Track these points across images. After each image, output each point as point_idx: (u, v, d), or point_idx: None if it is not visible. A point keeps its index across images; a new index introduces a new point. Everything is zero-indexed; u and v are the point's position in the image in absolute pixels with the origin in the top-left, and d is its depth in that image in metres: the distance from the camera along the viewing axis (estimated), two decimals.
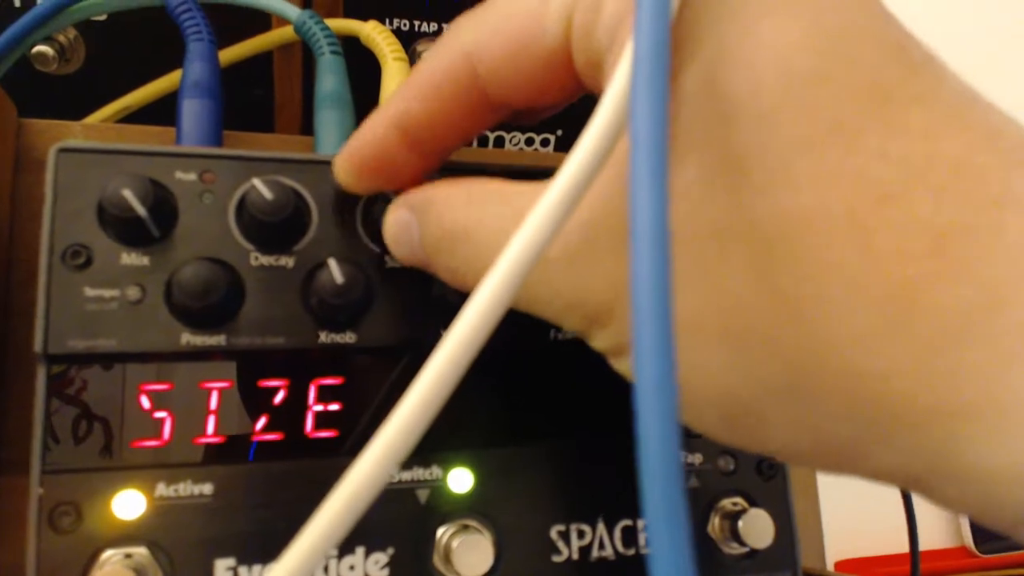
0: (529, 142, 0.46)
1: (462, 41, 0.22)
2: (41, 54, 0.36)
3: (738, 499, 0.30)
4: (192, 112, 0.30)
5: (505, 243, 0.17)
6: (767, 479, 0.31)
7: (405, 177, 0.25)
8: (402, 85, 0.24)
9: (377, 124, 0.24)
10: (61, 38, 0.37)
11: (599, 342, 0.21)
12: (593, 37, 0.19)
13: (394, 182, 0.25)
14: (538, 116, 0.27)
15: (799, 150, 0.16)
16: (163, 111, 0.34)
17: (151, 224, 0.25)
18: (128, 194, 0.25)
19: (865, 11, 0.17)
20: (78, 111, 0.36)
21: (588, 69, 0.20)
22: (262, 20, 0.39)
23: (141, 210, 0.25)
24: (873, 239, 0.15)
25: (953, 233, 0.15)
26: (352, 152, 0.25)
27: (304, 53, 0.40)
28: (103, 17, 0.38)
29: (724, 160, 0.17)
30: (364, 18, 0.36)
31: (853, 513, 0.75)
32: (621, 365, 0.21)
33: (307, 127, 0.40)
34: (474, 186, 0.23)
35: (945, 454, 0.15)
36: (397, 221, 0.25)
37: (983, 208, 0.15)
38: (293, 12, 0.35)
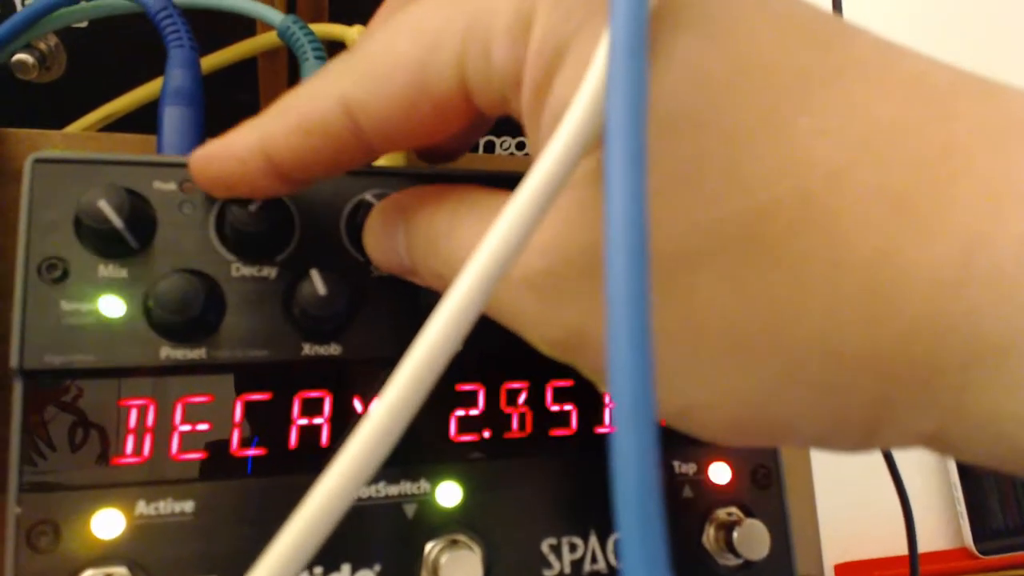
0: (520, 146, 0.46)
1: (339, 93, 0.21)
2: (21, 62, 0.36)
3: (733, 509, 0.30)
4: (173, 120, 0.29)
5: None
6: (762, 488, 0.30)
7: (265, 193, 0.24)
8: (269, 116, 0.22)
9: (241, 149, 0.23)
10: (41, 46, 0.36)
11: (583, 371, 0.21)
12: (493, 83, 0.19)
13: (252, 195, 0.25)
14: (445, 153, 0.27)
15: (739, 150, 0.16)
16: (146, 119, 0.34)
17: (128, 235, 0.25)
18: (104, 205, 0.24)
19: (763, 10, 0.17)
20: (60, 120, 0.36)
21: (493, 104, 0.20)
22: (247, 26, 0.38)
23: (117, 221, 0.24)
24: (833, 219, 0.15)
25: (909, 192, 0.15)
26: (212, 164, 0.23)
27: (289, 58, 0.39)
28: (84, 24, 0.37)
29: (672, 175, 0.16)
30: (349, 23, 0.36)
31: (852, 516, 0.75)
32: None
33: None
34: (465, 193, 0.22)
35: (960, 406, 0.15)
36: (381, 226, 0.25)
37: (930, 163, 0.15)
38: (277, 17, 0.34)
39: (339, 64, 0.21)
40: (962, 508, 0.90)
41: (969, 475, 0.90)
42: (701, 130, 0.16)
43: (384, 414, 0.15)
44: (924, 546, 0.89)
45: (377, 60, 0.20)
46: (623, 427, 0.13)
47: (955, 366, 0.15)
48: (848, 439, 0.18)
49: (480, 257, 0.16)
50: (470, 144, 0.28)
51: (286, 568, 0.15)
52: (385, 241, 0.25)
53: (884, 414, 0.16)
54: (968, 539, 0.89)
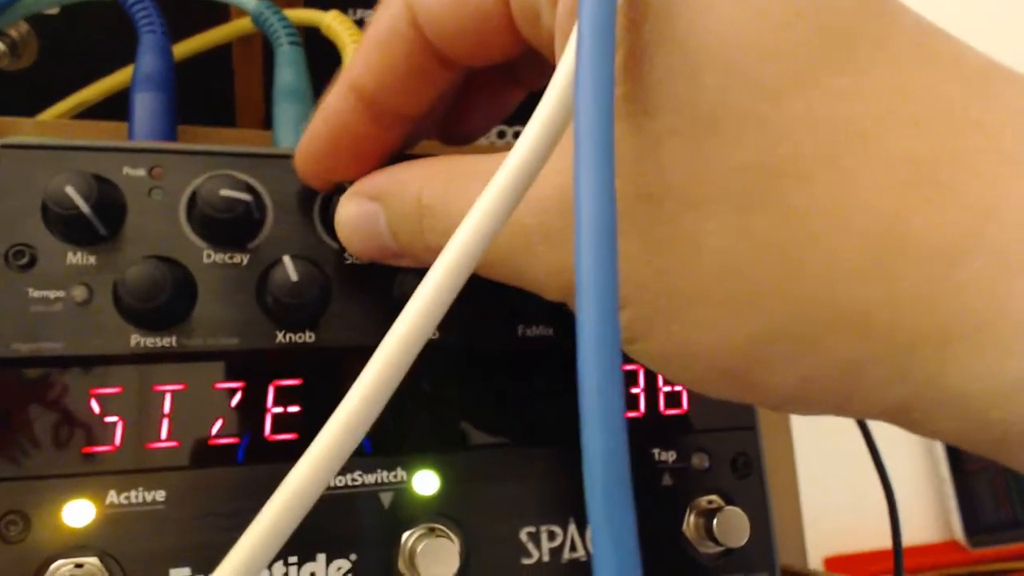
0: (501, 135, 0.45)
1: None
2: None
3: (714, 497, 0.29)
4: (144, 106, 0.29)
5: None
6: (743, 476, 0.30)
7: (368, 154, 0.25)
8: (355, 51, 0.23)
9: (333, 95, 0.24)
10: (12, 33, 0.36)
11: None
12: None
13: (357, 161, 0.25)
14: (497, 91, 0.27)
15: (770, 98, 0.16)
16: (120, 106, 0.33)
17: (96, 222, 0.24)
18: (71, 191, 0.24)
19: None
20: (32, 108, 0.35)
21: (525, 21, 0.20)
22: (221, 11, 0.38)
23: (84, 207, 0.24)
24: (854, 177, 0.15)
25: (932, 161, 0.15)
26: (312, 134, 0.25)
27: (265, 45, 0.39)
28: (55, 11, 0.36)
29: (694, 115, 0.16)
30: (325, 7, 0.36)
31: (843, 509, 0.75)
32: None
33: (270, 120, 0.39)
34: (452, 163, 0.22)
35: (933, 379, 0.15)
36: (357, 212, 0.24)
37: (958, 134, 0.15)
38: (251, 3, 0.34)
39: None
40: (952, 502, 0.90)
41: (959, 468, 0.91)
42: (734, 72, 0.16)
43: (380, 366, 0.15)
44: (915, 539, 0.89)
45: None
46: (588, 359, 0.12)
47: (935, 340, 0.15)
48: (820, 402, 0.18)
49: (488, 195, 0.16)
50: (491, 123, 0.29)
51: (258, 557, 0.15)
52: (363, 227, 0.24)
53: (858, 379, 0.16)
54: (958, 532, 0.89)
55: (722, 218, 0.16)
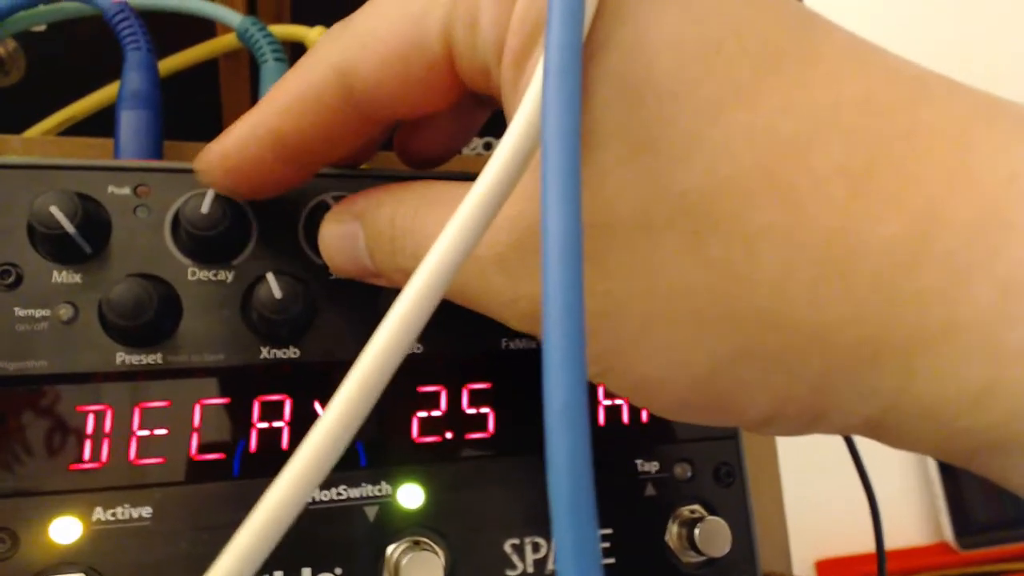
0: (487, 147, 0.46)
1: (332, 60, 0.21)
2: None
3: (696, 507, 0.30)
4: (130, 123, 0.29)
5: None
6: (725, 486, 0.30)
7: (276, 186, 0.25)
8: (267, 98, 0.23)
9: (247, 137, 0.23)
10: (0, 50, 0.36)
11: None
12: (477, 51, 0.19)
13: (263, 190, 0.25)
14: (432, 157, 0.27)
15: (705, 120, 0.16)
16: (107, 122, 0.33)
17: (81, 241, 0.25)
18: (56, 211, 0.24)
19: None
20: (19, 124, 0.36)
21: (473, 77, 0.20)
22: (207, 27, 0.38)
23: (69, 227, 0.24)
24: (794, 194, 0.16)
25: (870, 170, 0.15)
26: (222, 155, 0.24)
27: (251, 59, 0.39)
28: (42, 28, 0.37)
29: (639, 143, 0.17)
30: (311, 23, 0.36)
31: (832, 512, 0.75)
32: None
33: None
34: (426, 188, 0.22)
35: (901, 391, 0.15)
36: (339, 231, 0.25)
37: (894, 142, 0.15)
38: (235, 19, 0.34)
39: (330, 36, 0.22)
40: (942, 503, 0.90)
41: (949, 470, 0.91)
42: (669, 99, 0.16)
43: (358, 382, 0.15)
44: (904, 541, 0.90)
45: (368, 25, 0.21)
46: (554, 376, 0.13)
47: (899, 349, 0.15)
48: (793, 421, 0.18)
49: (449, 232, 0.16)
50: (456, 148, 0.28)
51: (240, 573, 0.15)
52: (343, 246, 0.24)
53: (828, 396, 0.17)
54: (948, 534, 0.90)
55: (673, 242, 0.17)
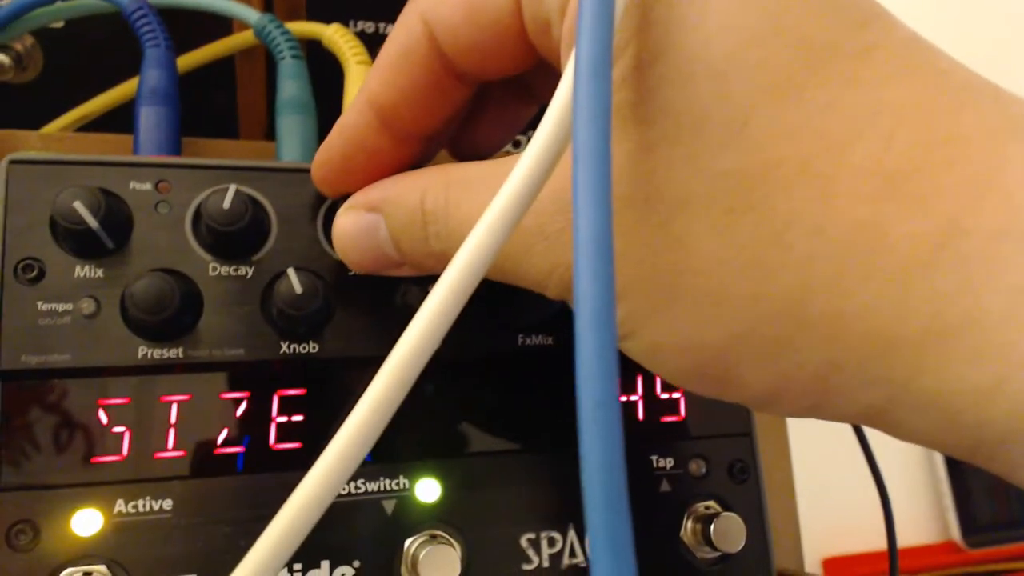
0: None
1: (420, 8, 0.22)
2: None
3: (711, 503, 0.30)
4: (149, 120, 0.29)
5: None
6: (739, 482, 0.31)
7: (381, 169, 0.25)
8: (372, 68, 0.24)
9: (351, 110, 0.24)
10: (17, 46, 0.36)
11: None
12: (542, 2, 0.20)
13: (369, 177, 0.25)
14: (509, 106, 0.28)
15: (751, 107, 0.17)
16: (123, 118, 0.34)
17: (104, 236, 0.25)
18: (79, 206, 0.24)
19: None
20: (36, 120, 0.36)
21: (537, 32, 0.21)
22: (223, 24, 0.38)
23: (92, 222, 0.24)
24: (828, 186, 0.16)
25: (905, 172, 0.16)
26: (328, 147, 0.25)
27: (267, 56, 0.39)
28: (60, 24, 0.37)
29: (684, 122, 0.17)
30: (327, 20, 0.36)
31: (840, 510, 0.75)
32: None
33: (272, 131, 0.39)
34: (452, 169, 0.23)
35: (909, 382, 0.16)
36: (356, 224, 0.25)
37: (931, 147, 0.16)
38: (253, 16, 0.34)
39: None
40: (949, 502, 0.90)
41: (956, 469, 0.91)
42: (721, 80, 0.17)
43: (393, 370, 0.15)
44: (911, 540, 0.90)
45: None
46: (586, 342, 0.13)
47: (909, 344, 0.16)
48: (794, 402, 0.18)
49: (499, 203, 0.16)
50: (504, 140, 0.29)
51: (270, 565, 0.15)
52: (362, 239, 0.25)
53: (832, 382, 0.17)
54: (955, 533, 0.89)
55: (708, 221, 0.17)
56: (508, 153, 0.22)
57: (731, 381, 0.19)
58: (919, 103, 0.16)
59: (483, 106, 0.27)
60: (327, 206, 0.28)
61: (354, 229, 0.25)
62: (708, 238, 0.17)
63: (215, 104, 0.39)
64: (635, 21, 0.18)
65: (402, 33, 0.23)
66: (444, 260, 0.22)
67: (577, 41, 0.16)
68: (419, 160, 0.26)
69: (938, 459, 0.91)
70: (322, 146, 0.26)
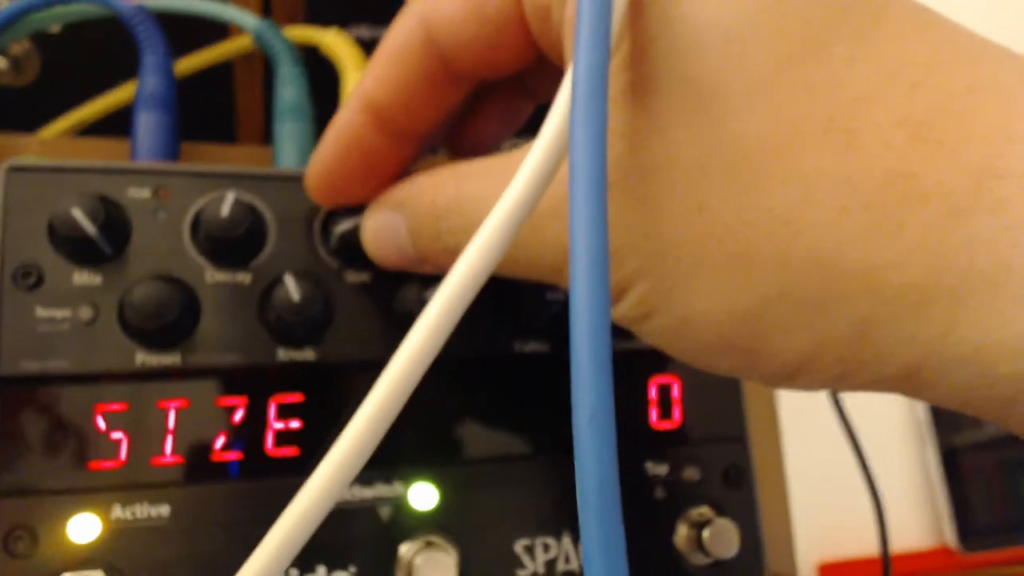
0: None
1: (417, 9, 0.23)
2: None
3: (705, 509, 0.30)
4: (147, 126, 0.30)
5: None
6: (734, 488, 0.31)
7: (377, 171, 0.25)
8: (367, 67, 0.24)
9: (344, 110, 0.25)
10: (14, 49, 0.36)
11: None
12: None
13: (366, 179, 0.25)
14: (508, 104, 0.28)
15: (773, 68, 0.17)
16: (120, 122, 0.34)
17: (102, 242, 0.25)
18: (78, 213, 0.24)
19: None
20: (33, 124, 0.36)
21: (537, 19, 0.21)
22: (221, 28, 0.38)
23: (91, 229, 0.24)
24: (854, 139, 0.16)
25: (931, 121, 0.16)
26: (322, 150, 0.25)
27: (265, 61, 0.39)
28: (57, 28, 0.37)
29: (698, 89, 0.17)
30: (325, 24, 0.36)
31: (837, 515, 0.75)
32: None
33: (270, 135, 0.39)
34: (460, 166, 0.23)
35: (946, 335, 0.16)
36: (381, 222, 0.25)
37: (956, 96, 0.16)
38: (252, 22, 0.34)
39: None
40: (945, 507, 0.90)
41: (953, 473, 0.91)
42: (739, 44, 0.17)
43: (399, 371, 0.16)
44: (907, 545, 0.90)
45: None
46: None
47: (946, 294, 0.15)
48: (824, 371, 0.18)
49: (517, 185, 0.17)
50: (502, 138, 0.29)
51: (271, 569, 0.16)
52: (385, 236, 0.25)
53: (868, 340, 0.17)
54: (951, 537, 0.90)
55: (731, 184, 0.17)
56: (516, 146, 0.23)
57: (760, 352, 0.18)
58: (936, 56, 0.16)
59: (482, 104, 0.27)
60: (324, 213, 0.28)
61: (378, 228, 0.25)
62: (732, 202, 0.17)
63: (213, 107, 0.39)
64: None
65: (398, 33, 0.23)
66: (457, 255, 0.23)
67: (576, 37, 0.16)
68: (413, 161, 0.26)
69: (934, 463, 0.91)
70: (314, 155, 0.26)
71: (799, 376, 0.19)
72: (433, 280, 0.27)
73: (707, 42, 0.17)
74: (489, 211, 0.21)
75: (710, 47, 0.17)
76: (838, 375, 0.18)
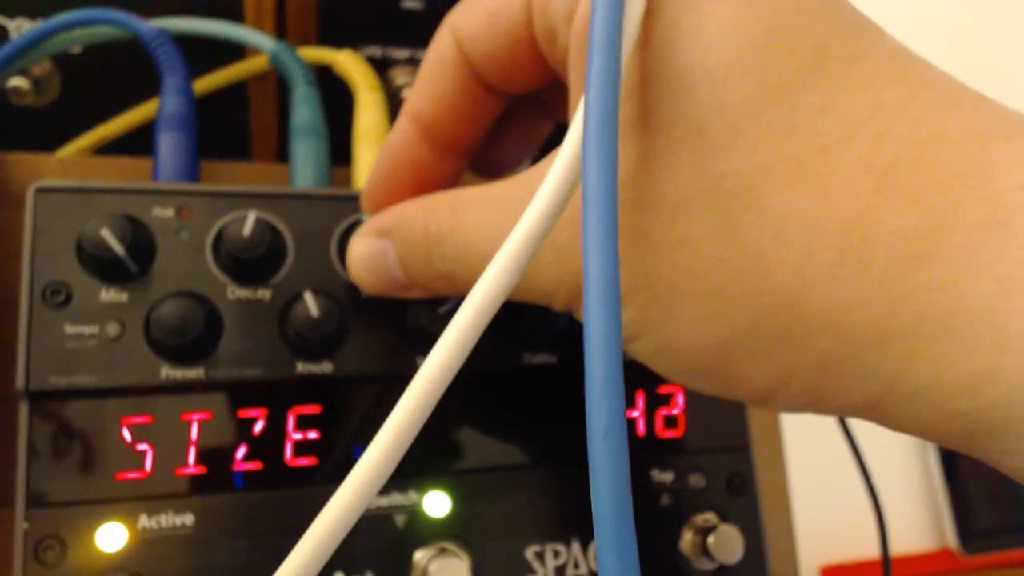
0: None
1: (451, 20, 0.24)
2: (16, 88, 0.36)
3: (709, 515, 0.31)
4: (168, 147, 0.30)
5: (496, 235, 0.19)
6: (738, 495, 0.32)
7: (426, 185, 0.26)
8: (413, 85, 0.26)
9: (394, 129, 0.26)
10: (36, 70, 0.37)
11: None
12: (548, 10, 0.21)
13: (420, 194, 0.26)
14: (528, 121, 0.29)
15: (749, 111, 0.18)
16: (139, 141, 0.35)
17: (129, 261, 0.26)
18: (107, 233, 0.25)
19: None
20: (53, 142, 0.37)
21: (545, 40, 0.22)
22: (236, 49, 0.39)
23: (119, 248, 0.25)
24: (823, 184, 0.17)
25: (896, 170, 0.17)
26: (376, 168, 0.26)
27: (279, 81, 0.40)
28: (78, 50, 0.38)
29: (688, 129, 0.18)
30: (338, 45, 0.37)
31: (839, 518, 0.75)
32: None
33: (284, 154, 0.40)
34: (455, 194, 0.24)
35: (904, 371, 0.16)
36: (368, 249, 0.26)
37: (920, 147, 0.17)
38: (268, 44, 0.35)
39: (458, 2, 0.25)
40: (946, 509, 0.91)
41: (953, 476, 0.91)
42: (720, 87, 0.18)
43: (426, 382, 0.17)
44: (908, 548, 0.90)
45: None
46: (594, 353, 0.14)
47: (903, 333, 0.16)
48: (794, 398, 0.19)
49: (525, 223, 0.18)
50: (522, 157, 0.30)
51: (309, 570, 0.16)
52: (372, 263, 0.26)
53: (831, 374, 0.18)
54: (952, 539, 0.90)
55: (709, 222, 0.18)
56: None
57: (734, 377, 0.19)
58: (907, 105, 0.17)
59: (503, 123, 0.28)
60: (341, 230, 0.29)
61: (366, 254, 0.26)
62: (709, 239, 0.18)
63: (228, 125, 0.40)
64: (643, 36, 0.19)
65: (436, 48, 0.24)
66: (452, 281, 0.24)
67: (588, 59, 0.17)
68: (459, 176, 0.27)
69: (935, 466, 0.92)
70: (370, 174, 0.27)
71: (772, 401, 0.20)
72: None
73: (695, 83, 0.18)
74: (486, 238, 0.22)
75: (697, 89, 0.18)
76: (809, 401, 0.19)
